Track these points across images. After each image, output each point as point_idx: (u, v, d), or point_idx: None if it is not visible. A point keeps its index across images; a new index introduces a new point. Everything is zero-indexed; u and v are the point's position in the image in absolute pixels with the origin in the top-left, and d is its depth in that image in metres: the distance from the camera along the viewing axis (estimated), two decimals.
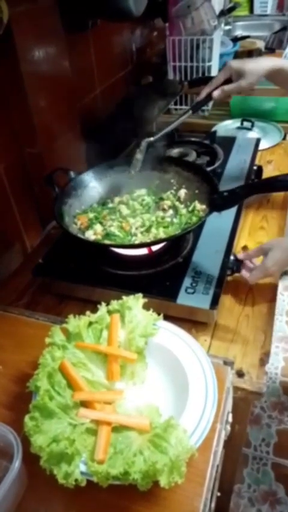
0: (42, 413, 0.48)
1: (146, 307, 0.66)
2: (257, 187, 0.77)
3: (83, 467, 0.46)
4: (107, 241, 0.77)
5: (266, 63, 0.88)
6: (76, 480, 0.44)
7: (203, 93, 0.93)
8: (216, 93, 0.91)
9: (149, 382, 0.59)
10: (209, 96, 0.93)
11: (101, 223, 0.82)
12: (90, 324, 0.61)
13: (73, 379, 0.54)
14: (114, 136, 1.14)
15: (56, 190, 0.78)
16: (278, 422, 1.41)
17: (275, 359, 1.59)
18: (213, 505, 0.78)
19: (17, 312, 0.76)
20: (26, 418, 0.48)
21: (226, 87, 0.90)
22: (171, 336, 0.62)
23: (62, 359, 0.55)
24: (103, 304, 0.64)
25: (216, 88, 0.92)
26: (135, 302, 0.63)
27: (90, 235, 0.78)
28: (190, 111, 0.95)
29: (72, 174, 0.83)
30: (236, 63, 0.88)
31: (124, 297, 0.64)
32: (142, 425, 0.49)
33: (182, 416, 0.51)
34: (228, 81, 0.91)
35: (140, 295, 0.64)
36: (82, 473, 0.45)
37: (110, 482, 0.44)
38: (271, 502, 1.22)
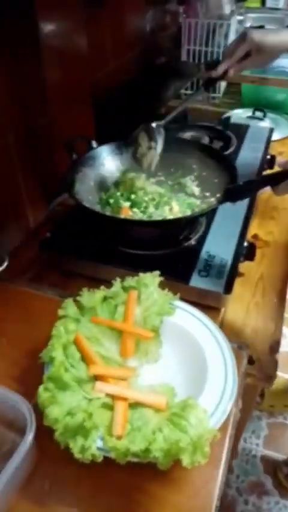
0: (57, 385, 0.46)
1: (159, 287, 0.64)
2: (274, 178, 0.75)
3: (99, 444, 0.43)
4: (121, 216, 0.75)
5: None
6: (93, 455, 0.42)
7: (221, 68, 0.83)
8: (232, 71, 0.83)
9: (163, 361, 0.57)
10: (225, 73, 0.84)
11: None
12: (105, 299, 0.59)
13: (87, 353, 0.51)
14: (125, 113, 1.11)
15: (74, 157, 0.75)
16: (268, 416, 1.42)
17: None
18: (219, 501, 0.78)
19: (25, 284, 0.73)
20: (40, 389, 0.45)
21: (244, 63, 0.82)
22: (187, 316, 0.60)
23: (76, 332, 0.53)
24: (118, 279, 0.61)
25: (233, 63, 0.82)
26: (151, 280, 0.61)
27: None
28: (202, 88, 0.89)
29: (94, 143, 0.80)
30: (257, 35, 0.79)
31: (141, 274, 0.61)
32: (159, 403, 0.47)
33: (201, 397, 0.49)
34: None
35: (157, 273, 0.62)
36: (99, 449, 0.43)
37: (128, 459, 0.42)
38: (258, 493, 1.23)
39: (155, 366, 0.57)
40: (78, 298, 0.58)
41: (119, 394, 0.47)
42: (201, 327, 0.59)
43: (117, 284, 0.60)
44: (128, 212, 0.77)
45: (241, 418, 0.81)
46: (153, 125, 0.82)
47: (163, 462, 0.41)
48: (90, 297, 0.57)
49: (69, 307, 0.56)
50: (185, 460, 0.40)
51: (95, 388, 0.47)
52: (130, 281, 0.61)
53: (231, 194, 0.71)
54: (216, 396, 0.49)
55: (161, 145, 0.81)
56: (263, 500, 1.21)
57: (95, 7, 1.03)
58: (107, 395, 0.48)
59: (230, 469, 1.28)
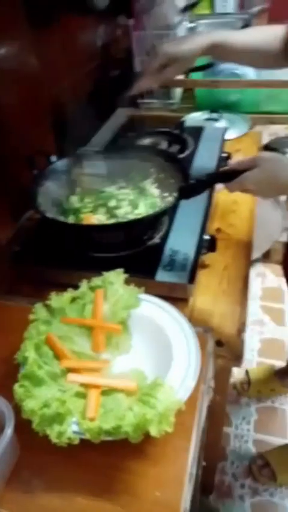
0: (32, 382, 0.50)
1: (126, 284, 0.68)
2: (222, 176, 0.79)
3: (75, 428, 0.47)
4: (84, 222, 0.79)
5: (201, 41, 0.81)
6: (69, 438, 0.46)
7: (144, 86, 0.86)
8: (155, 85, 0.85)
9: (134, 351, 0.61)
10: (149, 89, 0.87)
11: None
12: (73, 299, 0.63)
13: (59, 350, 0.55)
14: (84, 125, 1.16)
15: (35, 172, 0.79)
16: (256, 401, 1.47)
17: (250, 342, 1.65)
18: (200, 471, 0.82)
19: None
20: (16, 386, 0.49)
21: (164, 74, 0.83)
22: (153, 307, 0.65)
23: (47, 333, 0.57)
24: (85, 280, 0.66)
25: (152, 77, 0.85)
26: (116, 277, 0.65)
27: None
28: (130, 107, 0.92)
29: (53, 157, 0.85)
30: (170, 48, 0.81)
31: (105, 273, 0.66)
32: (129, 386, 0.52)
33: (167, 377, 0.53)
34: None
35: (121, 270, 0.66)
36: (74, 432, 0.47)
37: (102, 438, 0.46)
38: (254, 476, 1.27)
39: (127, 356, 0.61)
40: (47, 302, 0.62)
41: (90, 382, 0.51)
42: (166, 316, 0.63)
43: (84, 285, 0.65)
44: (89, 219, 0.81)
45: (219, 399, 0.86)
46: None
47: (133, 436, 0.45)
48: (59, 299, 0.61)
49: (39, 311, 0.59)
50: (153, 431, 0.45)
51: (68, 378, 0.51)
52: (96, 281, 0.65)
53: (184, 192, 0.77)
54: (181, 375, 0.54)
55: None
56: (259, 483, 1.25)
57: (44, 26, 1.08)
58: (81, 385, 0.52)
59: (224, 457, 1.32)
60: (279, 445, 1.30)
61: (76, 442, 0.47)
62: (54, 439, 0.46)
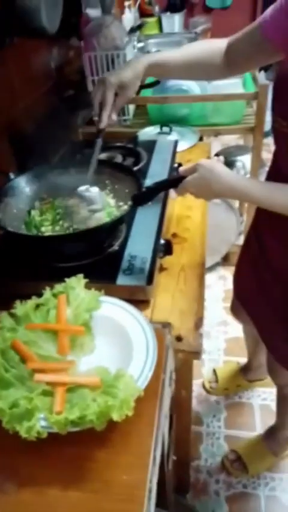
0: (0, 385, 0.53)
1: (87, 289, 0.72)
2: (169, 183, 0.88)
3: (43, 422, 0.50)
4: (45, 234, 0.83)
5: (139, 66, 0.87)
6: (38, 432, 0.49)
7: (105, 119, 0.90)
8: (114, 117, 0.90)
9: (98, 350, 0.65)
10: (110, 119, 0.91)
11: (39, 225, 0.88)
12: (37, 306, 0.66)
13: (25, 354, 0.58)
14: (42, 146, 1.20)
15: None
16: (225, 398, 1.52)
17: (216, 342, 1.71)
18: (170, 466, 0.86)
19: None
20: None
21: (118, 103, 0.88)
22: (114, 308, 0.69)
23: (13, 339, 0.60)
24: (47, 288, 0.69)
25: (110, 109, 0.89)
26: (77, 282, 0.69)
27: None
28: (100, 140, 0.95)
29: (11, 175, 0.88)
30: (114, 78, 0.86)
31: (67, 279, 0.69)
32: (93, 381, 0.55)
33: (128, 370, 0.58)
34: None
35: (81, 275, 0.70)
36: (42, 427, 0.50)
37: (68, 429, 0.50)
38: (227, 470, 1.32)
39: (91, 356, 0.65)
40: (12, 310, 0.64)
41: (56, 381, 0.55)
42: (127, 315, 0.68)
43: (47, 292, 0.68)
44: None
45: (185, 394, 0.91)
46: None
47: (98, 423, 0.49)
48: (23, 306, 0.64)
49: (4, 319, 0.62)
50: (115, 416, 0.48)
51: (35, 378, 0.54)
52: (59, 287, 0.69)
53: (137, 199, 0.83)
54: (140, 366, 0.58)
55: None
56: (231, 476, 1.30)
57: None
58: (48, 385, 0.55)
59: (198, 455, 1.36)
60: (248, 438, 1.36)
61: (44, 435, 0.50)
62: (24, 434, 0.48)
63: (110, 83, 0.85)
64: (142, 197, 0.83)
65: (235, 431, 1.42)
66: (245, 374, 1.51)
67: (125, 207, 0.90)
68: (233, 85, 1.64)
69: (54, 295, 0.68)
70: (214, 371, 1.56)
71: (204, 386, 1.54)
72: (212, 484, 1.29)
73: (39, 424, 0.49)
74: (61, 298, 0.66)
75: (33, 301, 0.66)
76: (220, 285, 1.98)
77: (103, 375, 0.58)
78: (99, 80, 0.88)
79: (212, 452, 1.37)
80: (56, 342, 0.64)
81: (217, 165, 0.76)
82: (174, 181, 0.82)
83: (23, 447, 0.52)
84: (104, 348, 0.66)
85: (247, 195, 0.76)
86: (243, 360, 1.54)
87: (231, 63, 0.88)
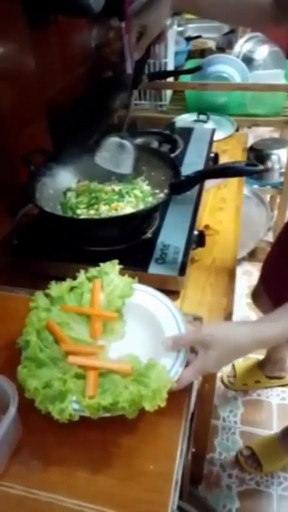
0: (34, 363, 0.53)
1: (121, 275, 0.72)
2: (209, 173, 0.85)
3: (75, 405, 0.51)
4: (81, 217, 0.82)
5: (165, 2, 0.81)
6: (70, 415, 0.49)
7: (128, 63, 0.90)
8: (136, 55, 0.85)
9: (129, 337, 0.65)
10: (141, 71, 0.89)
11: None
12: (72, 289, 0.66)
13: (59, 335, 0.58)
14: (79, 127, 1.19)
15: (32, 169, 0.82)
16: (243, 394, 1.51)
17: None
18: (189, 458, 0.86)
19: None
20: (19, 367, 0.52)
21: (140, 44, 0.83)
22: (147, 296, 0.68)
23: (48, 319, 0.60)
24: (82, 271, 0.69)
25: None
26: (111, 268, 0.69)
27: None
28: (134, 90, 0.93)
29: (49, 155, 0.88)
30: (139, 20, 0.81)
31: (101, 264, 0.69)
32: (125, 368, 0.55)
33: (161, 360, 0.57)
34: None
35: (116, 261, 0.70)
36: (75, 409, 0.50)
37: (100, 414, 0.50)
38: (240, 466, 1.32)
39: (121, 342, 0.64)
40: (47, 290, 0.65)
41: (89, 364, 0.54)
42: (159, 304, 0.67)
43: (81, 275, 0.68)
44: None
45: (208, 388, 0.90)
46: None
47: (129, 411, 0.49)
48: (58, 288, 0.64)
49: (39, 298, 0.62)
50: (147, 406, 0.48)
51: (68, 360, 0.54)
52: (93, 271, 0.69)
53: (175, 188, 0.81)
54: (173, 358, 0.57)
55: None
56: (245, 472, 1.30)
57: (41, 26, 1.11)
58: (80, 367, 0.55)
59: (212, 448, 1.36)
60: (264, 436, 1.35)
61: (76, 418, 0.50)
62: (56, 415, 0.49)
63: (134, 23, 0.81)
64: (180, 186, 0.80)
65: (251, 428, 1.41)
66: (263, 369, 1.49)
67: (161, 195, 0.89)
68: (274, 75, 1.59)
69: (89, 279, 0.68)
70: (233, 365, 1.54)
71: (222, 381, 1.53)
72: (224, 478, 1.29)
73: (71, 407, 0.50)
74: (96, 283, 0.66)
75: (68, 283, 0.66)
76: (244, 280, 1.95)
77: (134, 363, 0.57)
78: (128, 23, 0.84)
79: (226, 446, 1.37)
80: (87, 326, 0.64)
81: (229, 330, 0.61)
82: (214, 171, 0.80)
83: (53, 427, 0.53)
84: (134, 335, 0.65)
85: (274, 337, 0.61)
86: (262, 356, 1.51)
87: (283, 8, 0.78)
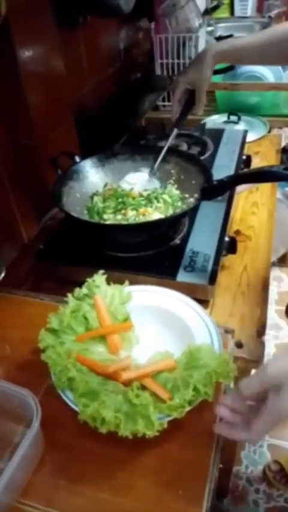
0: (89, 397, 0.51)
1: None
2: (243, 177, 0.81)
3: (158, 416, 0.49)
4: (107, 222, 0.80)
5: (207, 58, 0.87)
6: (160, 424, 0.49)
7: (174, 113, 0.95)
8: (199, 111, 0.94)
9: (146, 339, 0.63)
10: (185, 114, 0.95)
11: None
12: (72, 313, 0.63)
13: (91, 363, 0.57)
14: (107, 129, 1.17)
15: (59, 172, 0.81)
16: None
17: (266, 346, 1.63)
18: (217, 474, 0.82)
19: (22, 293, 0.77)
20: (81, 408, 0.50)
21: (197, 100, 0.92)
22: (181, 304, 0.67)
23: (68, 352, 0.57)
24: (69, 295, 0.65)
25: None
26: (100, 279, 0.66)
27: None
28: (176, 130, 0.95)
29: (77, 158, 0.86)
30: (182, 77, 0.91)
31: (88, 279, 0.66)
32: (170, 364, 0.55)
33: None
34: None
35: (102, 271, 0.68)
36: (159, 418, 0.49)
37: (186, 409, 0.50)
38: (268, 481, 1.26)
39: (140, 346, 0.63)
40: (48, 325, 0.61)
41: (141, 374, 0.54)
42: (190, 311, 0.65)
43: (71, 299, 0.64)
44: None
45: None
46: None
47: (208, 392, 0.50)
48: (58, 318, 0.61)
49: (46, 337, 0.59)
50: (222, 378, 0.51)
51: (123, 377, 0.53)
52: (83, 290, 0.66)
53: (207, 193, 0.77)
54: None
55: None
56: (273, 488, 1.24)
57: (70, 27, 1.10)
58: (123, 383, 0.54)
59: (238, 461, 1.31)
60: None
61: (165, 426, 0.49)
62: (146, 431, 0.48)
63: (178, 82, 0.91)
64: (212, 191, 0.77)
65: (280, 441, 1.36)
66: None
67: (191, 200, 0.85)
68: None
69: (80, 299, 0.65)
70: None
71: None
72: (251, 493, 1.24)
73: (156, 417, 0.48)
74: (98, 300, 0.63)
75: (67, 310, 0.62)
76: (274, 286, 1.88)
77: (169, 357, 0.57)
78: (174, 80, 0.93)
79: (253, 459, 1.32)
80: (103, 343, 0.62)
81: None
82: (249, 175, 0.75)
83: (77, 444, 0.51)
84: (150, 335, 0.64)
85: None
86: None
87: None
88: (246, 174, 0.76)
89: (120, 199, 0.86)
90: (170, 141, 0.93)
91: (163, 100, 1.55)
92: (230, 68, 1.44)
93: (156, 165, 0.91)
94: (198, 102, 0.91)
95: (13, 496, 0.48)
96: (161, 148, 0.93)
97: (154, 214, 0.83)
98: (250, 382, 0.47)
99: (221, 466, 0.87)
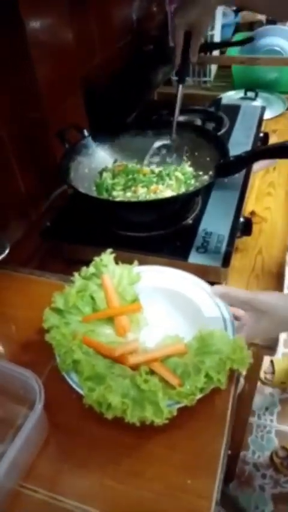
0: (96, 381, 0.49)
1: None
2: (262, 152, 0.76)
3: (168, 402, 0.47)
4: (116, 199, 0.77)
5: (211, 2, 0.76)
6: (169, 412, 0.46)
7: (177, 61, 0.84)
8: (193, 59, 0.83)
9: (156, 321, 0.61)
10: (186, 61, 0.84)
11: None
12: (78, 293, 0.60)
13: (98, 345, 0.54)
14: (117, 102, 1.12)
15: (67, 146, 0.77)
16: (280, 392, 1.43)
17: None
18: (225, 460, 0.80)
19: (27, 271, 0.75)
20: (86, 392, 0.48)
21: (192, 46, 0.80)
22: (186, 283, 0.64)
23: (73, 334, 0.55)
24: (76, 274, 0.62)
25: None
26: (108, 259, 0.63)
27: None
28: (181, 87, 0.87)
29: (85, 132, 0.82)
30: (179, 18, 0.77)
31: (96, 258, 0.63)
32: (180, 348, 0.53)
33: None
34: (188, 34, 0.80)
35: (110, 250, 0.64)
36: (168, 405, 0.47)
37: (197, 397, 0.47)
38: (276, 466, 1.25)
39: (149, 328, 0.60)
40: (52, 305, 0.58)
41: (150, 358, 0.51)
42: (203, 294, 0.62)
43: (77, 278, 0.61)
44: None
45: (248, 388, 0.83)
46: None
47: (221, 379, 0.48)
48: (64, 298, 0.58)
49: (51, 317, 0.57)
50: (236, 364, 0.49)
51: (130, 360, 0.51)
52: (90, 269, 0.63)
53: (222, 169, 0.73)
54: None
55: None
56: (280, 473, 1.23)
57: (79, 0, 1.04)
58: (131, 367, 0.52)
59: (245, 446, 1.30)
60: None
61: (174, 413, 0.47)
62: (155, 419, 0.45)
63: (177, 23, 0.78)
64: (228, 167, 0.72)
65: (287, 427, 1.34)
66: None
67: (205, 177, 0.81)
68: None
69: (87, 279, 0.62)
70: (272, 362, 1.46)
71: (259, 377, 1.46)
72: (257, 478, 1.23)
73: (165, 404, 0.46)
74: (106, 279, 0.60)
75: (73, 289, 0.59)
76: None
77: (179, 341, 0.54)
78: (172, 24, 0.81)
79: (260, 445, 1.30)
80: (110, 325, 0.59)
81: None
82: (267, 151, 0.71)
83: (82, 428, 0.49)
84: (160, 318, 0.61)
85: None
86: None
87: None
88: (266, 149, 0.71)
89: (130, 176, 0.82)
90: (179, 100, 0.85)
91: (176, 74, 1.49)
92: (248, 40, 1.37)
93: (174, 128, 0.86)
94: (194, 48, 0.80)
95: (15, 479, 0.46)
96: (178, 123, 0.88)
97: (166, 191, 0.79)
98: (241, 295, 0.57)
99: (229, 452, 0.86)
